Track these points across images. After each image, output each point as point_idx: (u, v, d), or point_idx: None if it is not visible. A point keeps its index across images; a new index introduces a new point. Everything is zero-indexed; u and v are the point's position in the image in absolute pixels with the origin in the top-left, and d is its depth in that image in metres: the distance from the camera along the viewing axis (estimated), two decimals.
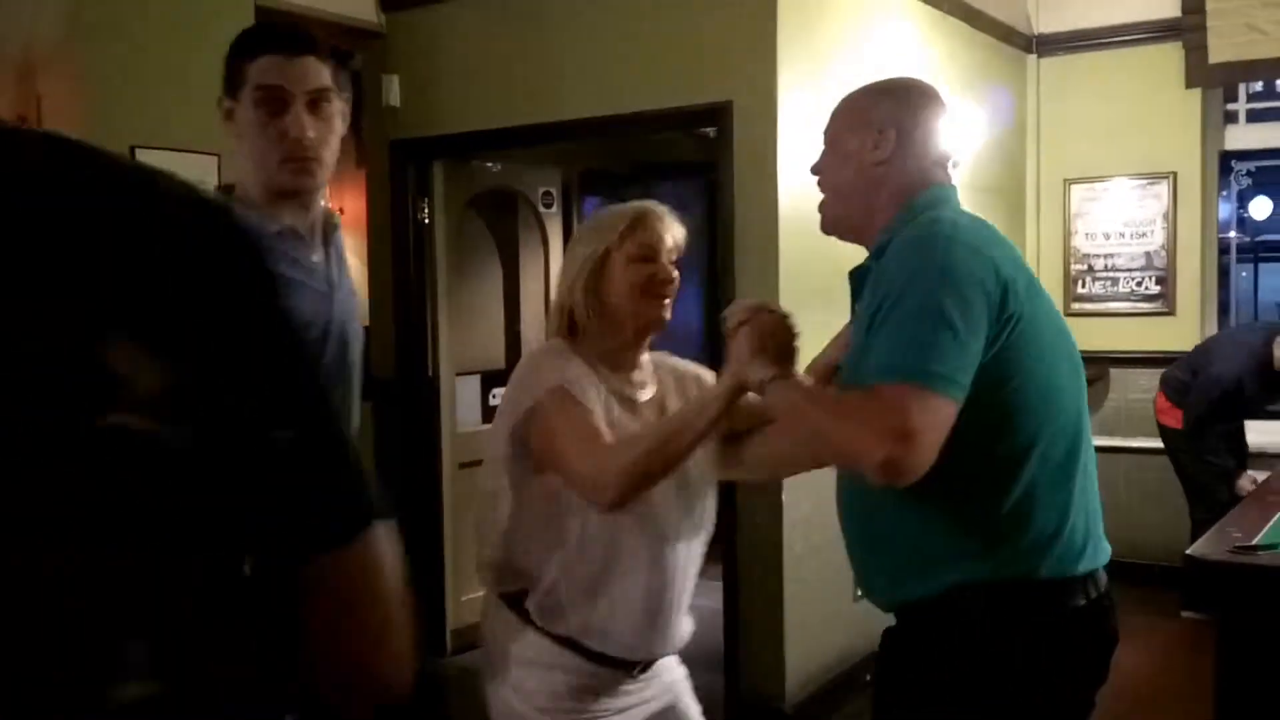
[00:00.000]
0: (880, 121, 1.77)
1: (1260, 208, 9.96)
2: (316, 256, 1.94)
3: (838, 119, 1.85)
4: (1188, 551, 2.75)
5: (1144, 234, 5.46)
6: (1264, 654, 2.54)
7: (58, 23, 3.33)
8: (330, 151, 1.92)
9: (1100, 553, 1.74)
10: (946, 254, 1.60)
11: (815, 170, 1.87)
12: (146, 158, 3.60)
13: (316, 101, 1.89)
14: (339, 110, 1.94)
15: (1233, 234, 7.71)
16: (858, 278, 1.80)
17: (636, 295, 1.94)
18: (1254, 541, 2.75)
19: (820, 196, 1.86)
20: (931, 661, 1.71)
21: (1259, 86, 5.73)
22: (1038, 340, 1.66)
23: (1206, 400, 4.66)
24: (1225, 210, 7.06)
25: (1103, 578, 1.75)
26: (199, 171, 3.73)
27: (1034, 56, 5.63)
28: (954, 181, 1.83)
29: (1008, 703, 1.66)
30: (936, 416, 1.52)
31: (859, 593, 4.30)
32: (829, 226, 1.87)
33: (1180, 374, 4.83)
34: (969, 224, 1.71)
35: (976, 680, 1.67)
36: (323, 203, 2.01)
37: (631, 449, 1.82)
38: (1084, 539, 1.70)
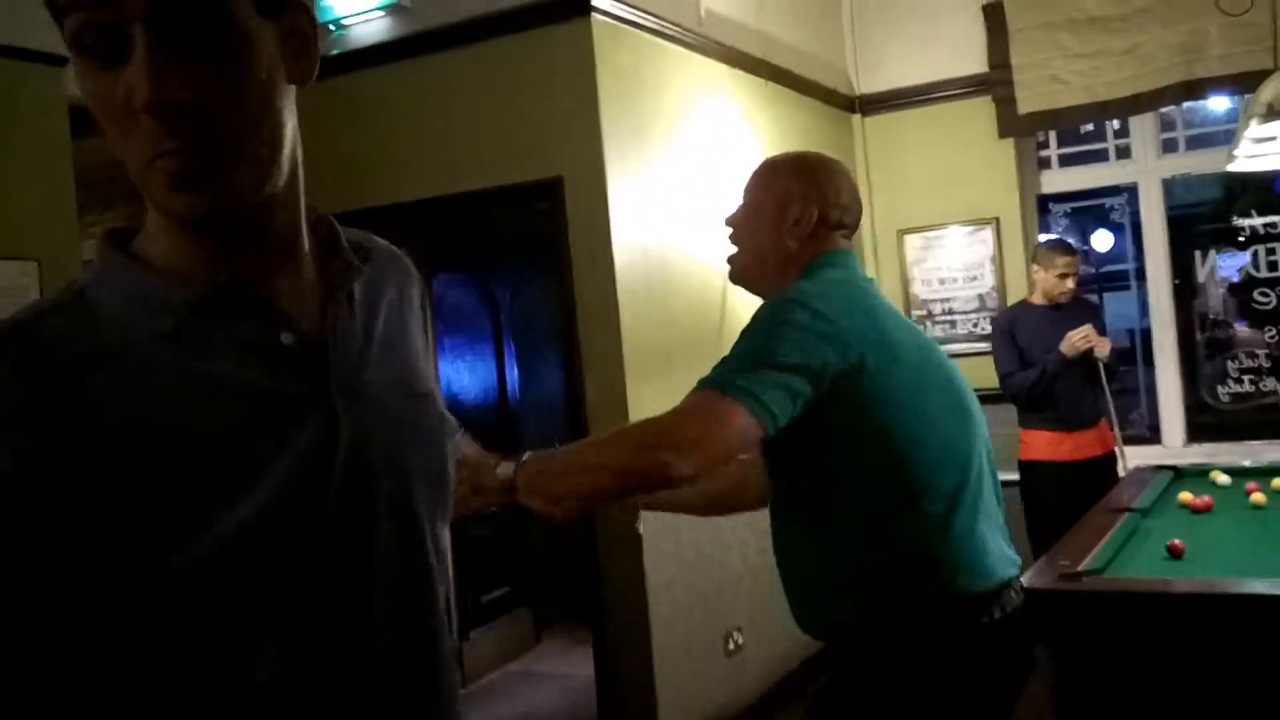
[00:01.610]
0: (803, 200, 1.98)
1: (1102, 240, 10.55)
2: (288, 335, 0.94)
3: (762, 187, 2.04)
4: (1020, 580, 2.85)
5: (974, 277, 5.72)
6: (1095, 682, 2.64)
7: None
8: (250, 121, 0.88)
9: (1003, 570, 1.89)
10: (787, 311, 1.79)
11: (730, 223, 2.07)
12: None
13: (190, 28, 0.84)
14: (264, 41, 0.89)
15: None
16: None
17: None
18: (1080, 568, 2.86)
19: (728, 245, 2.08)
20: (848, 683, 1.88)
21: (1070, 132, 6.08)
22: (898, 391, 1.81)
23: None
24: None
25: (1009, 595, 1.89)
26: (17, 277, 3.63)
27: (859, 116, 5.89)
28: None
29: (920, 716, 1.80)
30: (730, 421, 1.65)
31: (730, 647, 4.34)
32: (736, 277, 2.09)
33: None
34: (831, 290, 1.87)
35: (887, 697, 1.82)
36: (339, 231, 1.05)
37: None
38: (981, 559, 1.85)
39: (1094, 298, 5.85)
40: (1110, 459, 4.68)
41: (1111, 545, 3.07)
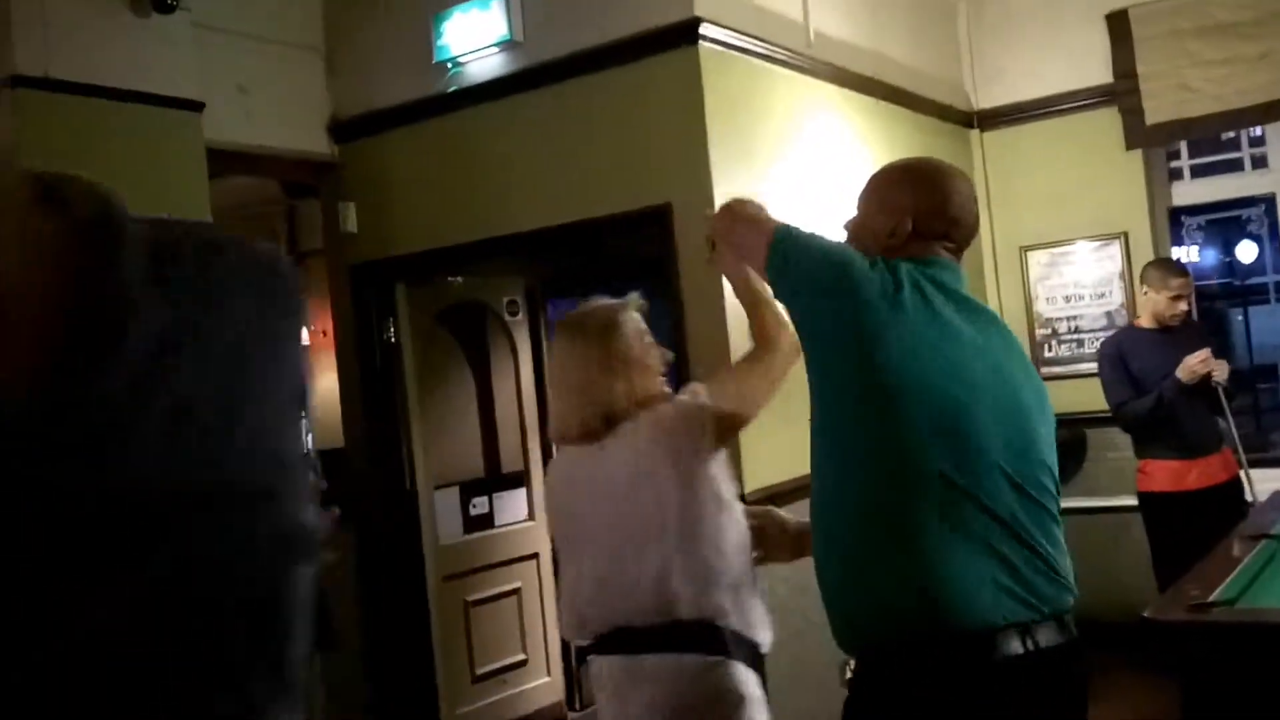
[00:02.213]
0: (902, 209, 2.02)
1: (1246, 252, 10.10)
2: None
3: (870, 195, 2.13)
4: (1144, 613, 2.75)
5: (1103, 294, 5.54)
6: (1225, 713, 2.52)
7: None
8: None
9: (1041, 603, 1.83)
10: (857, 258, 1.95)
11: (845, 228, 2.16)
12: None
13: None
14: None
15: (1213, 281, 7.82)
16: None
17: None
18: (1211, 599, 2.75)
19: None
20: (870, 710, 1.91)
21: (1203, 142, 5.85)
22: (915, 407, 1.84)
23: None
24: (1207, 258, 7.20)
25: (1043, 629, 1.82)
26: None
27: (977, 131, 5.78)
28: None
29: None
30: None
31: (847, 675, 4.28)
32: None
33: None
34: (916, 296, 1.91)
35: None
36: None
37: None
38: (1010, 590, 1.81)
39: (1239, 313, 5.58)
40: (1236, 485, 4.45)
41: (1246, 574, 2.94)
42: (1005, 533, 1.83)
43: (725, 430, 2.23)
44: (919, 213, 2.01)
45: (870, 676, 1.93)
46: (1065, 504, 2.04)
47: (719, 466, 2.21)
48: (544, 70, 4.16)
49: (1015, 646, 1.80)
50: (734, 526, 2.19)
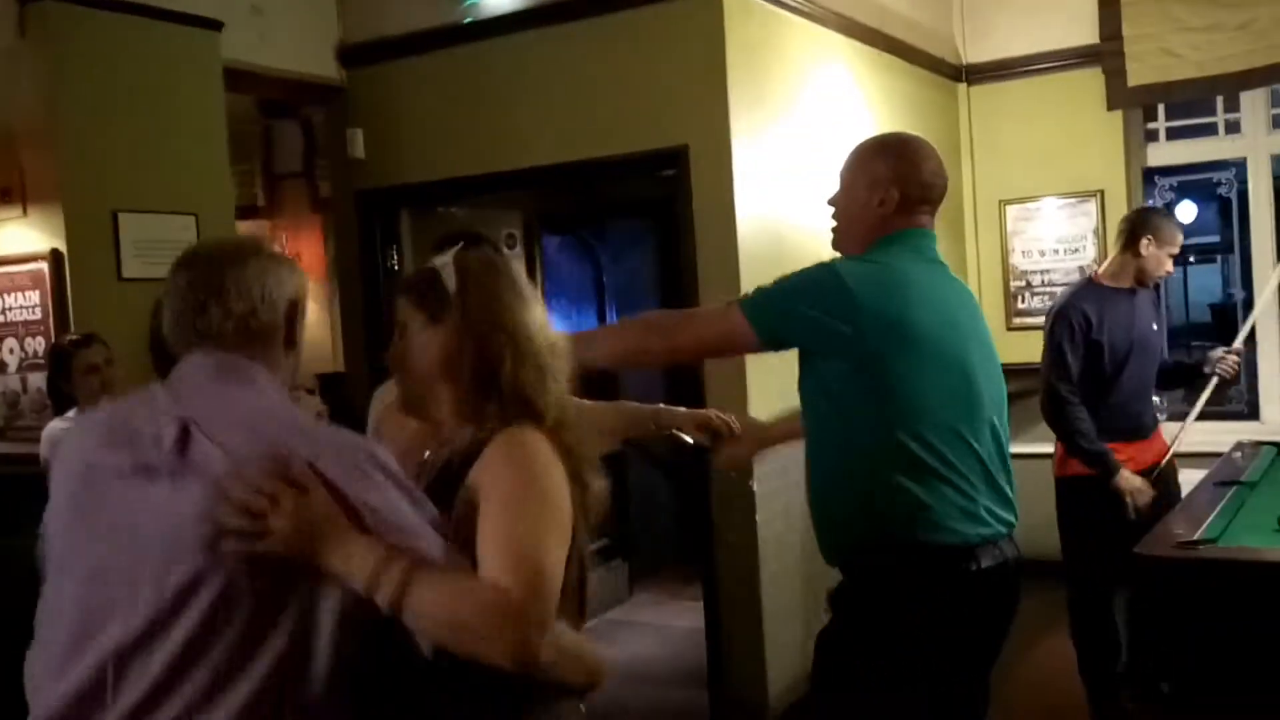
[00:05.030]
0: (888, 181, 2.26)
1: (1185, 212, 10.42)
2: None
3: (854, 169, 2.33)
4: (1135, 549, 2.95)
5: (1076, 249, 5.75)
6: (1210, 646, 2.74)
7: (36, 98, 3.52)
8: None
9: (992, 527, 2.19)
10: (819, 272, 2.19)
11: (831, 203, 2.37)
12: (127, 221, 3.73)
13: None
14: None
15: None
16: None
17: None
18: (1195, 537, 2.96)
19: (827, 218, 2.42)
20: (853, 615, 2.20)
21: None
22: (901, 366, 2.13)
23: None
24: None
25: (997, 550, 2.19)
26: (178, 231, 3.86)
27: (964, 85, 5.92)
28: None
29: (914, 652, 2.11)
30: (730, 321, 2.19)
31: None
32: (836, 245, 2.41)
33: None
34: (867, 270, 2.20)
35: (887, 632, 2.13)
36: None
37: None
38: (970, 516, 2.15)
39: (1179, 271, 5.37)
40: (1160, 469, 3.80)
41: (1224, 516, 3.16)
42: (982, 467, 2.20)
43: None
44: (904, 181, 2.26)
45: (857, 585, 2.21)
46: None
47: None
48: (563, 7, 4.20)
49: (987, 559, 2.16)
50: None
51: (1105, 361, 3.73)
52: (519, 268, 1.76)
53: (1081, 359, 3.71)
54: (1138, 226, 3.84)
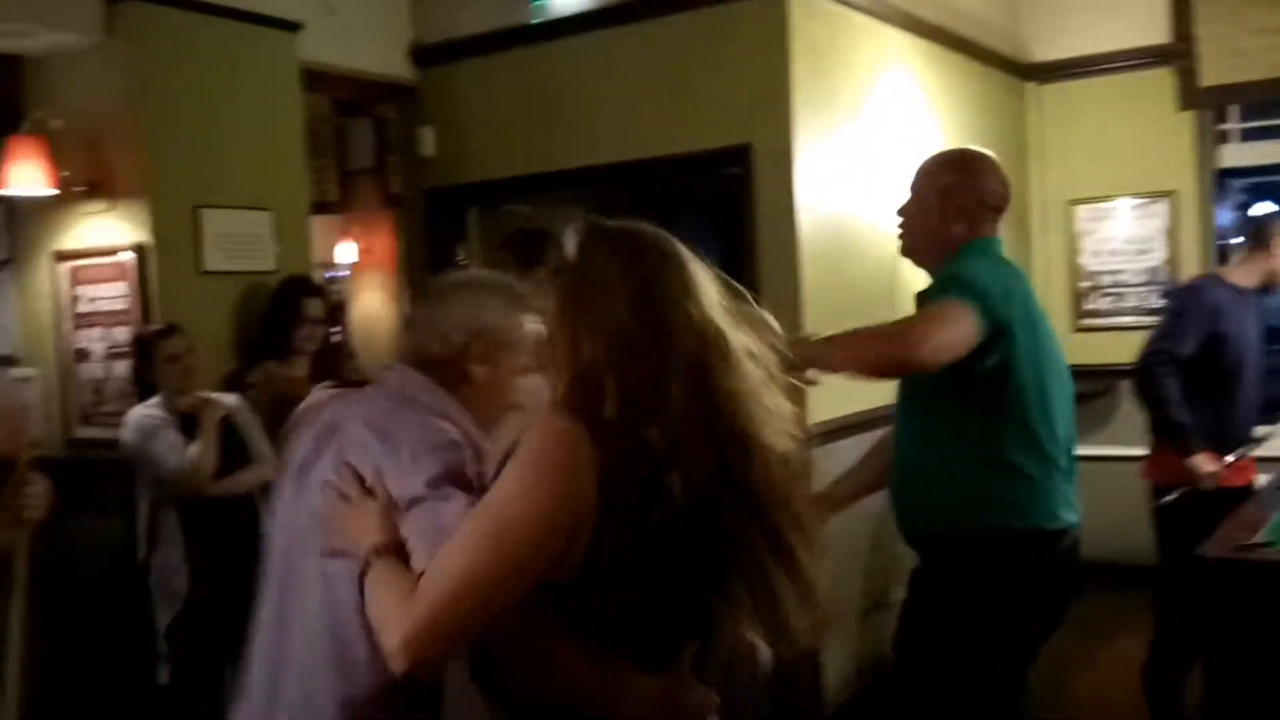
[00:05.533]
0: (959, 197, 2.42)
1: (1264, 211, 10.24)
2: None
3: (925, 183, 2.49)
4: (1196, 551, 2.94)
5: (1146, 250, 5.69)
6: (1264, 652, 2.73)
7: (123, 96, 3.67)
8: None
9: (1067, 516, 2.40)
10: (962, 275, 2.33)
11: (901, 213, 2.52)
12: (208, 216, 3.86)
13: None
14: None
15: (1233, 241, 7.91)
16: (920, 296, 2.45)
17: None
18: (1255, 540, 2.95)
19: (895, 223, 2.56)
20: (942, 590, 2.38)
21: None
22: (1028, 354, 2.31)
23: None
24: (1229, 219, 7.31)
25: (1069, 536, 2.39)
26: (256, 226, 4.00)
27: (1033, 84, 5.88)
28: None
29: (1009, 625, 2.33)
30: (961, 318, 2.21)
31: (892, 600, 4.50)
32: (906, 253, 2.55)
33: None
34: (987, 270, 2.37)
35: (989, 609, 2.31)
36: None
37: None
38: (1055, 504, 2.36)
39: None
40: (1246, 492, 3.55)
41: None
42: (1058, 459, 2.39)
43: None
44: (977, 193, 2.42)
45: (961, 565, 2.36)
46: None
47: None
48: (629, 8, 4.27)
49: (1067, 542, 2.38)
50: None
51: (1228, 359, 3.58)
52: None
53: (1199, 346, 3.54)
54: (1268, 226, 3.73)
